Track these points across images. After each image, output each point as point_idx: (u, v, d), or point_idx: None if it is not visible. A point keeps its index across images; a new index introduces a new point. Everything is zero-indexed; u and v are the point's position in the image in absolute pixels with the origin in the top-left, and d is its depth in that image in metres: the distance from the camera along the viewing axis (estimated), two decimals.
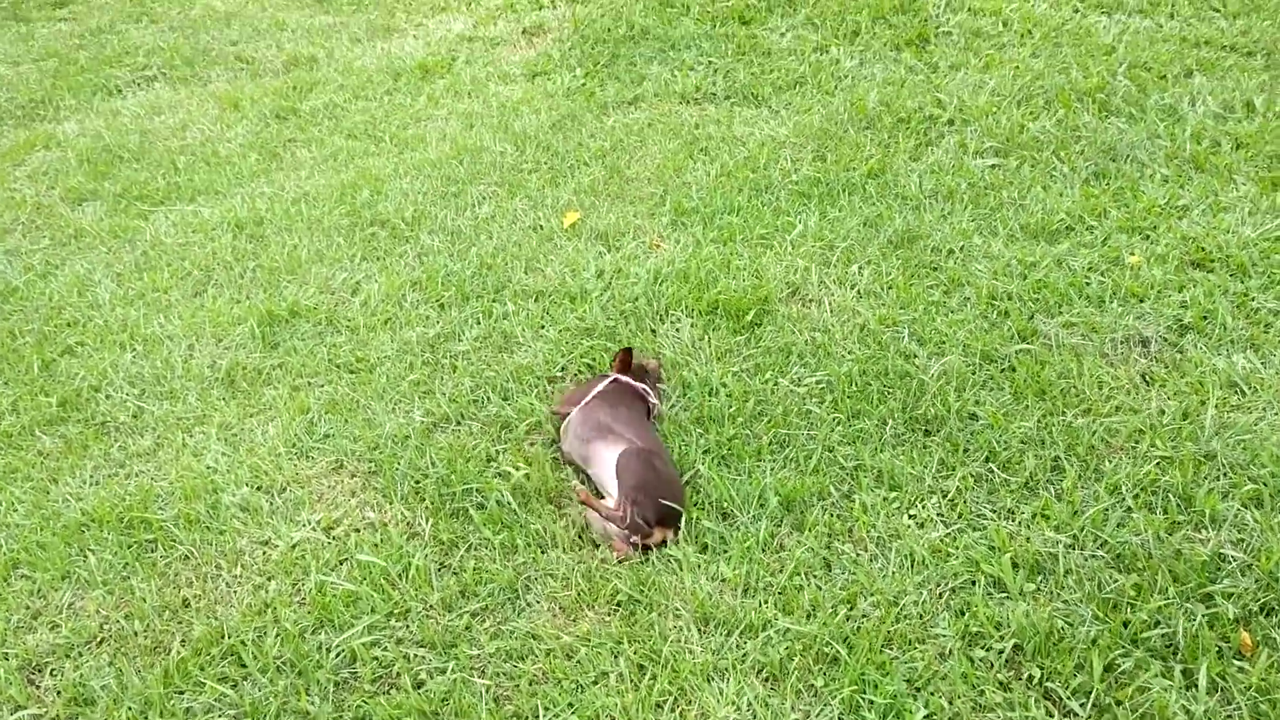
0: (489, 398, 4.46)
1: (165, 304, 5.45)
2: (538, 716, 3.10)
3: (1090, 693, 3.00)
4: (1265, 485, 3.61)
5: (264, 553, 3.78)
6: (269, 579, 3.66)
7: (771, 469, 3.93)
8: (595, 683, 3.20)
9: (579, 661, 3.26)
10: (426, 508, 3.88)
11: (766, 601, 3.41)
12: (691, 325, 4.79)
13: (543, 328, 4.94)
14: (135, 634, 3.49)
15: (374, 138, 7.37)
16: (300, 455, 4.24)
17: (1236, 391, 4.11)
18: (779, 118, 6.96)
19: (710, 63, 7.95)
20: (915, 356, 4.45)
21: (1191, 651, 3.06)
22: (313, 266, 5.61)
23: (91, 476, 4.25)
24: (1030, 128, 6.29)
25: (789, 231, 5.53)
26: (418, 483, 4.01)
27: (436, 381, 4.59)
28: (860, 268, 5.15)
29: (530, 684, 3.21)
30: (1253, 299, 4.63)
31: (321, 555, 3.72)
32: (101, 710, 3.24)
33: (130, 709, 3.22)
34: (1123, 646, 3.10)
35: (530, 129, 7.09)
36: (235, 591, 3.63)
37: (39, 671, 3.43)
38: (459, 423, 4.34)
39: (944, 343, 4.54)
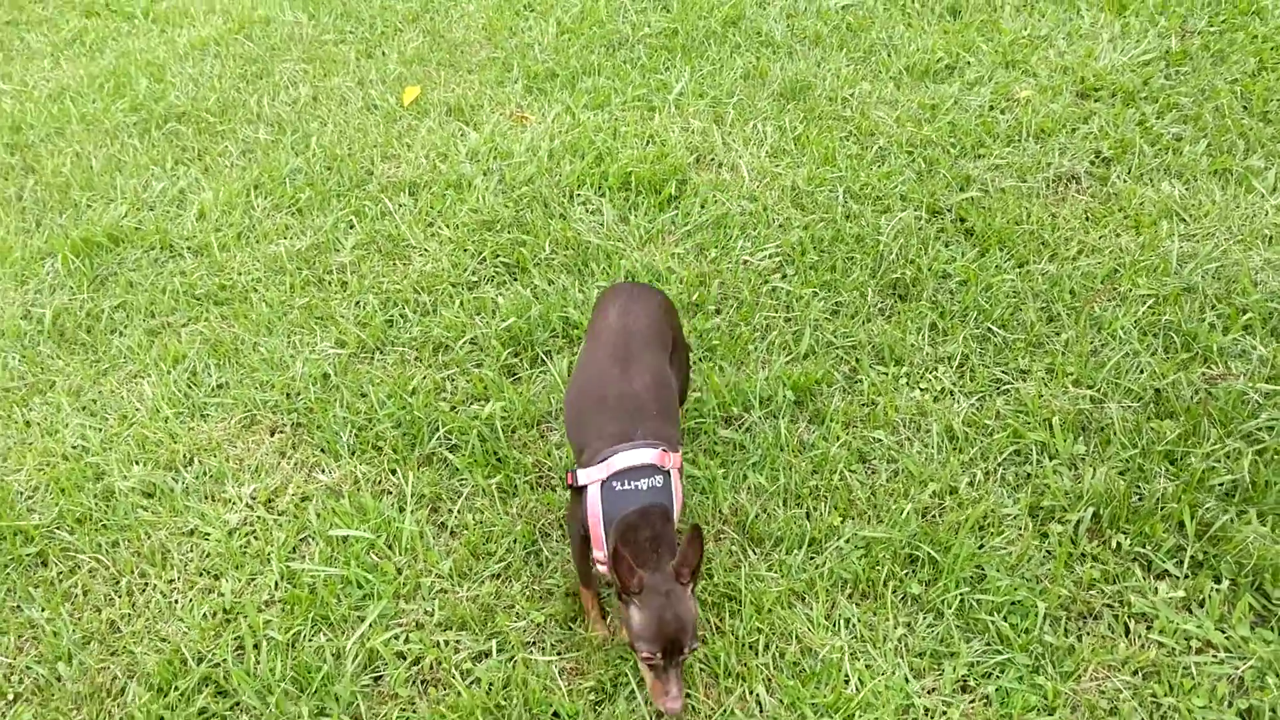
0: (405, 316, 3.77)
1: None
2: (623, 684, 2.63)
3: (1183, 550, 2.88)
4: (1252, 313, 3.59)
5: (196, 546, 3.02)
6: (216, 578, 2.92)
7: (764, 360, 3.55)
8: None
9: None
10: (388, 459, 3.22)
11: (817, 508, 3.07)
12: (609, 205, 4.24)
13: (431, 225, 4.23)
14: (61, 681, 2.70)
15: (123, 14, 6.07)
16: (194, 415, 3.42)
17: (1179, 220, 4.09)
18: None
19: None
20: (860, 216, 4.14)
21: (1260, 493, 2.99)
22: (114, 177, 4.53)
23: None
24: None
25: (667, 91, 5.02)
26: (362, 430, 3.33)
27: (334, 304, 3.82)
28: (759, 124, 4.75)
29: (598, 648, 2.73)
30: (1152, 125, 4.63)
31: (274, 538, 3.00)
32: None
33: None
34: (1194, 498, 2.99)
35: None
36: (177, 601, 2.88)
37: None
38: (380, 351, 3.65)
39: (882, 198, 4.25)
